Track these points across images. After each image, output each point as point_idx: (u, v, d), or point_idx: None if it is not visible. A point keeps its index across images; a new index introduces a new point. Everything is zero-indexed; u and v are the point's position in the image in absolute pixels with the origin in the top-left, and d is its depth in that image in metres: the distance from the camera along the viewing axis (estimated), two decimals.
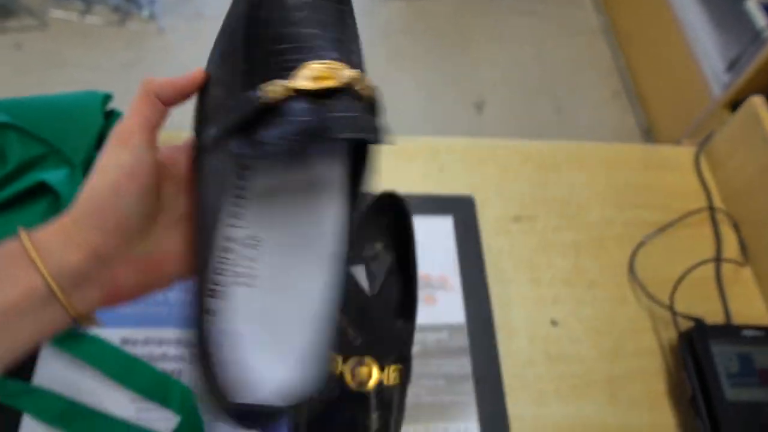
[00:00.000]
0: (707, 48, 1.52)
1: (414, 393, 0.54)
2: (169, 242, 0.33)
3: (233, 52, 0.31)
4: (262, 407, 0.28)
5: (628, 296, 0.62)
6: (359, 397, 0.47)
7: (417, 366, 0.55)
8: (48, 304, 0.29)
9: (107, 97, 0.62)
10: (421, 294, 0.58)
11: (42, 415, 0.48)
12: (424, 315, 0.57)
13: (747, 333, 0.56)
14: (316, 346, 0.30)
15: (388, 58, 1.87)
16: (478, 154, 0.69)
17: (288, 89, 0.27)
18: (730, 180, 0.69)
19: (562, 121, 1.78)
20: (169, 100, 0.32)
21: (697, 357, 0.55)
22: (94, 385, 0.50)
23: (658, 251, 0.65)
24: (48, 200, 0.54)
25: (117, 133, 0.31)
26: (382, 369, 0.47)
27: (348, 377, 0.47)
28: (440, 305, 0.58)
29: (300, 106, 0.27)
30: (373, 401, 0.47)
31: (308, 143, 0.26)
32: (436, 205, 0.64)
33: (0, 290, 0.28)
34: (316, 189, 0.32)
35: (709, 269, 0.65)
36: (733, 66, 1.44)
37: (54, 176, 0.54)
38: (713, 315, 0.61)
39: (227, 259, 0.31)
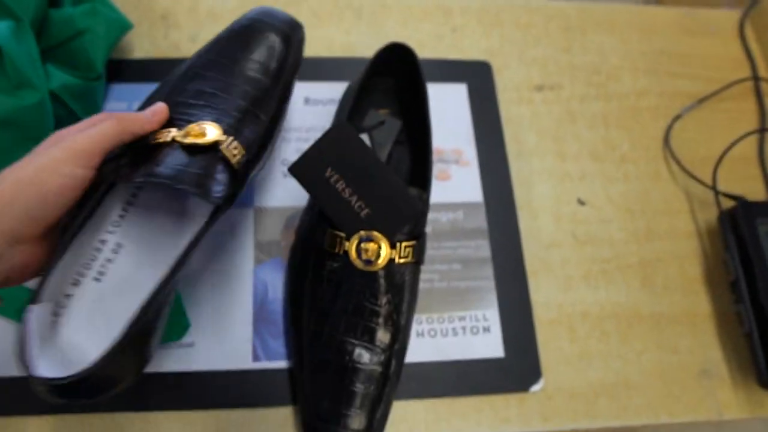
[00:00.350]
0: None
1: (426, 278, 0.48)
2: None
3: (158, 94, 0.41)
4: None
5: (662, 173, 0.55)
6: (367, 278, 0.40)
7: (429, 249, 0.49)
8: None
9: None
10: (434, 170, 0.51)
11: (7, 313, 0.43)
12: (436, 193, 0.50)
13: None
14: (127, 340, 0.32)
15: None
16: (495, 14, 0.60)
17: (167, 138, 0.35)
18: None
19: None
20: (136, 136, 0.35)
21: (741, 237, 0.49)
22: None
23: (697, 125, 0.57)
24: None
25: (80, 147, 0.32)
26: (392, 245, 0.41)
27: (353, 255, 0.40)
28: (454, 182, 0.51)
29: (167, 154, 0.35)
30: (382, 282, 0.41)
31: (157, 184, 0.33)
32: (448, 70, 0.55)
33: None
34: (181, 219, 0.39)
35: (750, 147, 0.58)
36: None
37: None
38: (754, 195, 0.55)
39: (95, 257, 0.37)
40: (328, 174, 0.39)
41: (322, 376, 0.40)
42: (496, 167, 0.52)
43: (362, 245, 0.40)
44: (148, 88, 0.53)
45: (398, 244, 0.41)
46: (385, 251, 0.40)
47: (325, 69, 0.54)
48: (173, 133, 0.35)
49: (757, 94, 0.60)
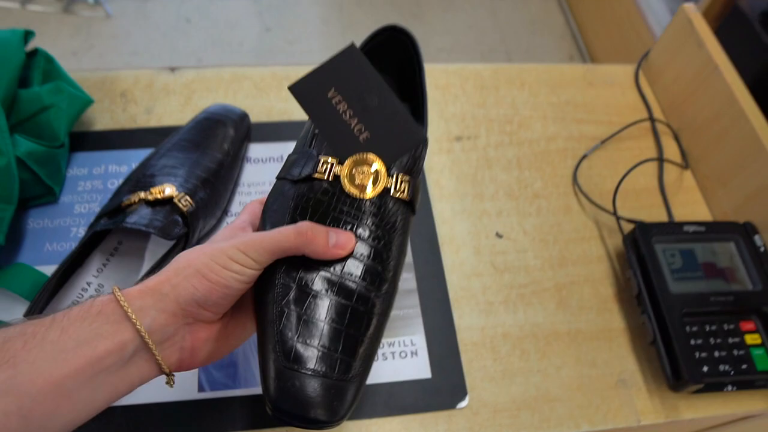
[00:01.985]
0: (651, 2, 1.53)
1: None
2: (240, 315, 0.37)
3: (134, 172, 0.54)
4: None
5: (572, 206, 0.61)
6: (356, 207, 0.37)
7: None
8: (133, 361, 0.32)
9: (29, 33, 0.59)
10: None
11: (16, 289, 0.49)
12: None
13: (688, 228, 0.56)
14: None
15: (343, 30, 1.86)
16: None
17: (138, 198, 0.49)
18: (668, 90, 0.69)
19: None
20: (310, 255, 0.36)
21: (641, 254, 0.54)
22: None
23: (601, 162, 0.64)
24: None
25: (259, 243, 0.34)
26: (389, 173, 0.37)
27: (345, 180, 0.36)
28: None
29: (137, 209, 0.49)
30: (372, 214, 0.37)
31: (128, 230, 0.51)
32: None
33: (88, 344, 0.30)
34: (149, 261, 0.52)
35: (653, 179, 0.64)
36: None
37: None
38: (658, 220, 0.61)
39: (82, 296, 0.49)
40: (330, 95, 0.36)
41: (290, 311, 0.34)
42: (420, 209, 0.58)
43: (357, 168, 0.36)
44: (108, 156, 0.60)
45: (395, 174, 0.37)
46: (382, 176, 0.36)
47: (265, 132, 0.61)
48: (141, 195, 0.49)
49: (654, 131, 0.67)
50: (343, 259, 0.36)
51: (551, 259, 0.58)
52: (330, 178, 0.36)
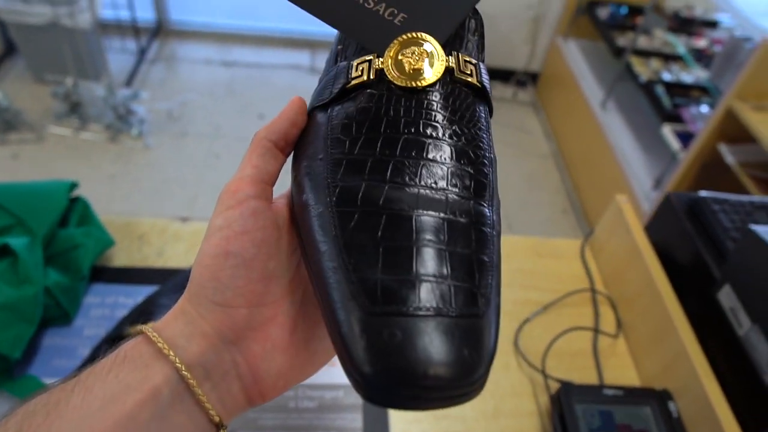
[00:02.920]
0: (635, 170, 1.69)
1: None
2: (309, 309, 0.29)
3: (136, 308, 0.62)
4: None
5: (511, 364, 0.70)
6: (417, 101, 0.28)
7: (312, 419, 0.62)
8: (178, 409, 0.25)
9: (73, 185, 0.73)
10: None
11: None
12: (326, 377, 0.65)
13: (608, 392, 0.64)
14: None
15: None
16: None
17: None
18: (608, 265, 0.79)
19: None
20: (280, 139, 0.30)
21: (563, 412, 0.62)
22: None
23: (542, 326, 0.74)
24: (8, 261, 0.63)
25: (225, 190, 0.28)
26: (447, 53, 0.29)
27: (391, 70, 0.28)
28: (339, 367, 0.66)
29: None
30: (440, 104, 0.28)
31: None
32: None
33: (115, 401, 0.24)
34: None
35: (588, 343, 0.73)
36: (658, 184, 1.60)
37: (16, 242, 0.64)
38: (591, 382, 0.68)
39: None
40: None
41: (359, 241, 0.24)
42: None
43: (402, 54, 0.28)
44: (120, 289, 0.71)
45: (454, 53, 0.28)
46: (439, 55, 0.27)
47: None
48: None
49: (593, 301, 0.77)
50: (417, 166, 0.26)
51: (486, 412, 0.65)
52: (372, 77, 0.28)
